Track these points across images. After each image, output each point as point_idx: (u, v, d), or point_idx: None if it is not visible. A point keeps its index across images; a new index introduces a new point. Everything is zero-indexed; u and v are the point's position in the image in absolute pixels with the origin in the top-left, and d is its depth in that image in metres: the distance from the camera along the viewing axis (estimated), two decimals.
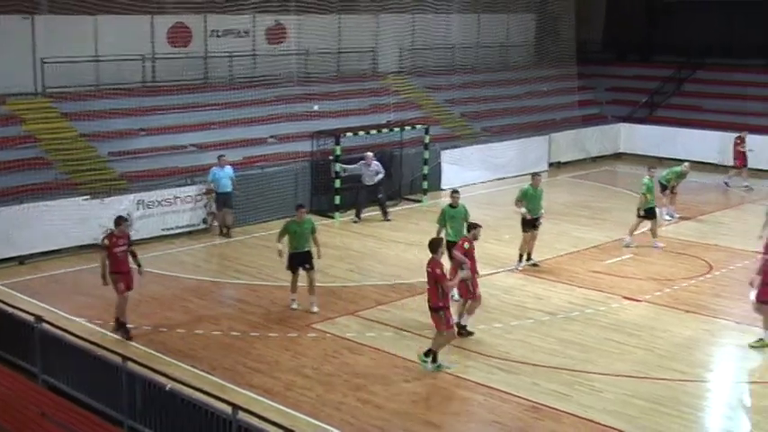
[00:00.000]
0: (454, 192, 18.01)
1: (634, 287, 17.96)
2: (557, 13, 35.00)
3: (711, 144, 30.97)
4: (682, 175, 23.55)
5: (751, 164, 28.69)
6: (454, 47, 33.41)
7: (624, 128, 34.47)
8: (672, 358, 14.37)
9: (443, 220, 17.16)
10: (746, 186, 28.04)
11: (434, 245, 13.89)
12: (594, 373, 13.61)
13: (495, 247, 20.61)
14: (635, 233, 21.15)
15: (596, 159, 33.09)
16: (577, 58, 34.61)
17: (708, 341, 15.49)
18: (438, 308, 13.66)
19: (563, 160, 31.92)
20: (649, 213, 21.08)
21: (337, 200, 24.08)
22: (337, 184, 24.04)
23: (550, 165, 31.28)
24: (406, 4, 30.30)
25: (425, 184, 26.39)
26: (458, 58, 33.52)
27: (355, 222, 23.60)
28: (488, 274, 18.35)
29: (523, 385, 13.37)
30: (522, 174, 29.42)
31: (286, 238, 16.53)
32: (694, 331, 15.68)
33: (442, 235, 16.48)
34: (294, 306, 16.55)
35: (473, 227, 15.48)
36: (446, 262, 14.37)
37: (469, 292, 15.12)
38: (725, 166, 29.75)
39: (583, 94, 35.74)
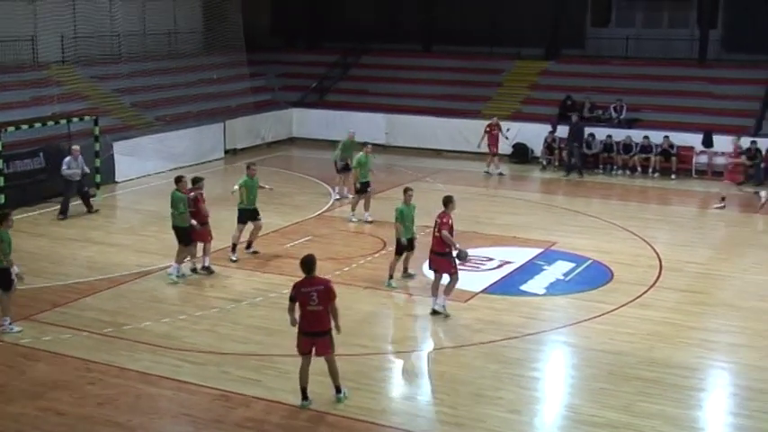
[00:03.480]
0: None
1: None
2: (223, 0, 34.88)
3: (379, 125, 32.36)
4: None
5: (403, 143, 29.96)
6: (120, 35, 32.36)
7: (296, 113, 35.19)
8: (355, 334, 14.83)
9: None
10: (500, 173, 28.86)
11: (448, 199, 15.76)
12: (281, 355, 13.79)
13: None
14: (356, 208, 22.40)
15: (271, 145, 33.52)
16: (247, 46, 34.80)
17: (386, 314, 16.24)
18: (445, 252, 15.50)
19: (239, 147, 32.03)
20: (363, 187, 22.23)
21: (2, 198, 22.62)
22: (0, 181, 22.59)
23: (226, 152, 31.29)
24: None
25: (98, 178, 25.41)
26: (124, 46, 32.52)
27: (62, 219, 22.40)
28: (170, 266, 18.03)
29: (212, 375, 13.30)
30: (199, 162, 29.29)
31: None
32: (374, 306, 16.36)
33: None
34: None
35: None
36: None
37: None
38: (393, 147, 31.30)
39: (255, 81, 36.03)
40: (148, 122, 30.21)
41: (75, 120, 25.56)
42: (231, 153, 31.50)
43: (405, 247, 17.40)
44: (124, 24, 32.29)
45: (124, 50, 32.37)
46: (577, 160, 28.76)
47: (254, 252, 19.43)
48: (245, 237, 19.38)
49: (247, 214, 19.17)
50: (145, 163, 27.62)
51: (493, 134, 29.18)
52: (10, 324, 14.90)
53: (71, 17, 30.46)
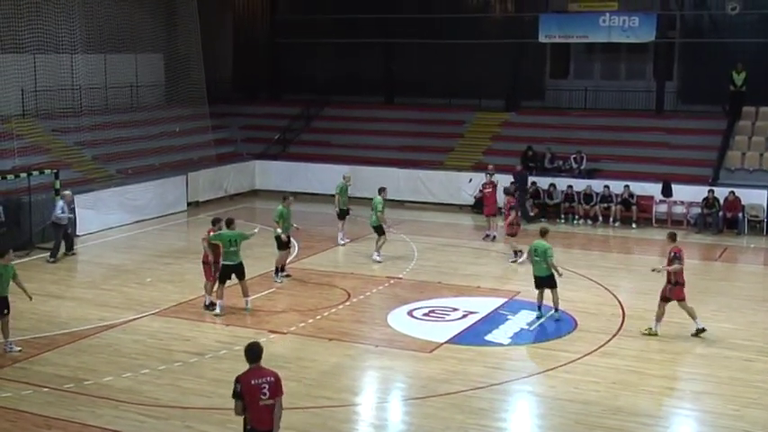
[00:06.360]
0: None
1: (279, 320, 18.30)
2: (185, 54, 35.03)
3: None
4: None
5: (365, 194, 27.90)
6: (81, 88, 32.25)
7: (259, 164, 35.20)
8: (319, 386, 14.79)
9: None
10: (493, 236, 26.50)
11: None
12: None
13: (138, 291, 20.18)
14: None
15: (234, 197, 33.46)
16: (209, 98, 34.90)
17: (351, 366, 16.12)
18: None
19: (202, 199, 31.92)
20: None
21: None
22: None
23: (189, 204, 31.16)
24: (25, 44, 28.77)
25: None
26: (85, 99, 32.37)
27: (53, 262, 23.22)
28: (133, 319, 17.87)
29: (176, 430, 13.12)
30: (162, 215, 29.15)
31: None
32: (339, 358, 16.26)
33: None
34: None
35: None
36: None
37: None
38: (356, 198, 31.31)
39: (217, 133, 36.04)
40: (110, 175, 30.05)
41: (35, 173, 25.36)
42: (194, 205, 31.37)
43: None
44: (85, 77, 32.16)
45: (85, 103, 32.20)
46: (524, 208, 28.46)
47: (287, 275, 21.70)
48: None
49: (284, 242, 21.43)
50: (106, 216, 27.42)
51: (485, 193, 27.39)
52: (10, 344, 16.32)
53: (31, 71, 30.35)
